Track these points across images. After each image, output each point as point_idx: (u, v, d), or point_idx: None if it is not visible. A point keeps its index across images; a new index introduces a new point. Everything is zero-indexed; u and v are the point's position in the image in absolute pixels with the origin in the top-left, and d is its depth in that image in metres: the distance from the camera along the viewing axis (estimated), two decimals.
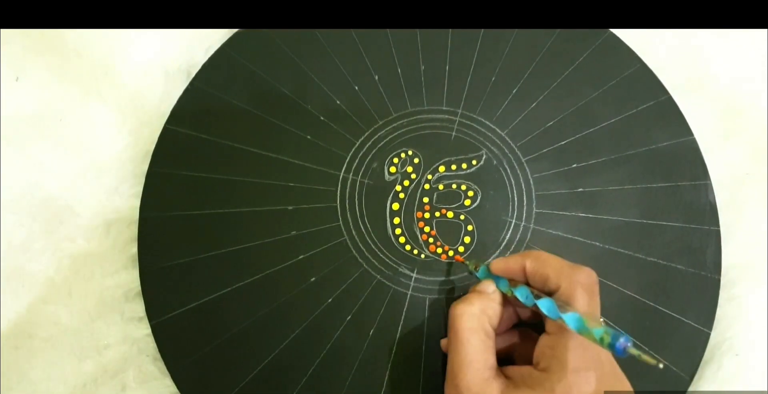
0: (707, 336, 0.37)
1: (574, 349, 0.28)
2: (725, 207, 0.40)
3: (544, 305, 0.29)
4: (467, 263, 0.37)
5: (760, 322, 0.38)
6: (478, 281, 0.34)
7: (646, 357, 0.24)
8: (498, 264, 0.33)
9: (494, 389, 0.29)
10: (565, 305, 0.29)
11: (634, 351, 0.25)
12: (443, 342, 0.35)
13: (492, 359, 0.31)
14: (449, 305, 0.36)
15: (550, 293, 0.30)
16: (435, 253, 0.38)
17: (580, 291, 0.29)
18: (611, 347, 0.26)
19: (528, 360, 0.31)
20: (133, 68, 0.41)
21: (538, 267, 0.31)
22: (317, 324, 0.36)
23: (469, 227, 0.38)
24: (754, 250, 0.40)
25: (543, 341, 0.30)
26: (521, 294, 0.31)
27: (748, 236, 0.40)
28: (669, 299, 0.38)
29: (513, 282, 0.32)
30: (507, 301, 0.33)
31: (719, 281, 0.38)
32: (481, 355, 0.30)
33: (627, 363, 0.36)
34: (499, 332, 0.33)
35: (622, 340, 0.25)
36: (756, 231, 0.40)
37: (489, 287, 0.33)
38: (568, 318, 0.28)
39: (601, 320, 0.30)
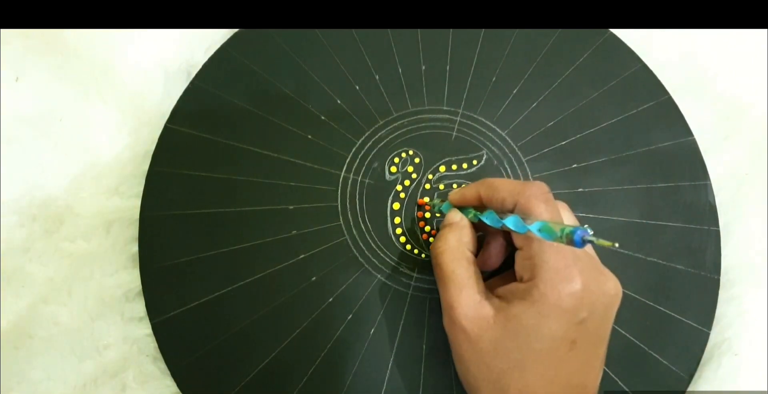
0: (706, 336, 0.38)
1: (549, 253, 0.29)
2: (725, 207, 0.40)
3: (511, 221, 0.30)
4: (432, 203, 0.38)
5: (760, 322, 0.38)
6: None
7: (602, 241, 0.24)
8: (455, 195, 0.35)
9: (488, 309, 0.30)
10: (527, 218, 0.30)
11: (591, 238, 0.25)
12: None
13: (480, 284, 0.32)
14: None
15: (510, 212, 0.31)
16: None
17: (535, 202, 0.30)
18: (571, 241, 0.26)
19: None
20: (133, 68, 0.41)
21: (491, 192, 0.32)
22: (318, 323, 0.36)
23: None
24: (753, 250, 0.40)
25: (519, 256, 0.31)
26: (488, 218, 0.32)
27: (748, 236, 0.40)
28: (668, 299, 0.38)
29: (478, 210, 0.33)
30: (492, 234, 0.34)
31: (719, 281, 0.38)
32: (468, 281, 0.31)
33: (627, 362, 0.37)
34: (493, 266, 0.34)
35: (579, 232, 0.25)
36: (756, 231, 0.40)
37: (455, 216, 0.34)
38: (534, 227, 0.28)
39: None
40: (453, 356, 0.32)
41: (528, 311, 0.29)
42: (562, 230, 0.26)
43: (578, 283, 0.28)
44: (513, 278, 0.32)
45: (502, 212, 0.32)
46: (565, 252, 0.29)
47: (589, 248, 0.32)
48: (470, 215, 0.34)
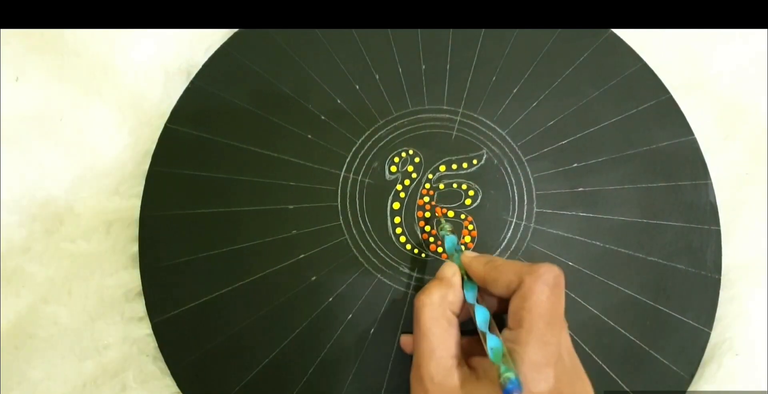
0: (707, 336, 0.37)
1: (533, 344, 0.28)
2: (725, 207, 0.40)
3: (480, 313, 0.30)
4: (442, 226, 0.37)
5: (761, 322, 0.38)
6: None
7: None
8: (466, 259, 0.33)
9: (455, 378, 0.29)
10: (511, 323, 0.29)
11: None
12: (404, 340, 0.35)
13: (454, 348, 0.30)
14: None
15: (512, 293, 0.30)
16: (435, 252, 0.38)
17: (541, 286, 0.29)
18: (503, 386, 0.26)
19: None
20: (133, 68, 0.41)
21: (497, 275, 0.31)
22: (317, 323, 0.36)
23: (470, 227, 0.38)
24: (754, 250, 0.40)
25: (504, 336, 0.30)
26: (468, 293, 0.31)
27: (749, 235, 0.40)
28: (669, 299, 0.38)
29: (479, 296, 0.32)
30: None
31: (719, 280, 0.38)
32: (443, 344, 0.30)
33: (627, 362, 0.37)
34: (465, 319, 0.33)
35: (510, 387, 0.25)
36: (756, 231, 0.40)
37: (448, 270, 0.33)
38: (490, 342, 0.28)
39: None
40: None
41: None
42: (505, 371, 0.26)
43: (548, 386, 0.27)
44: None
45: (503, 297, 0.31)
46: (551, 346, 0.28)
47: (571, 348, 0.30)
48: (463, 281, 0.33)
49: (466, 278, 0.33)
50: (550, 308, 0.29)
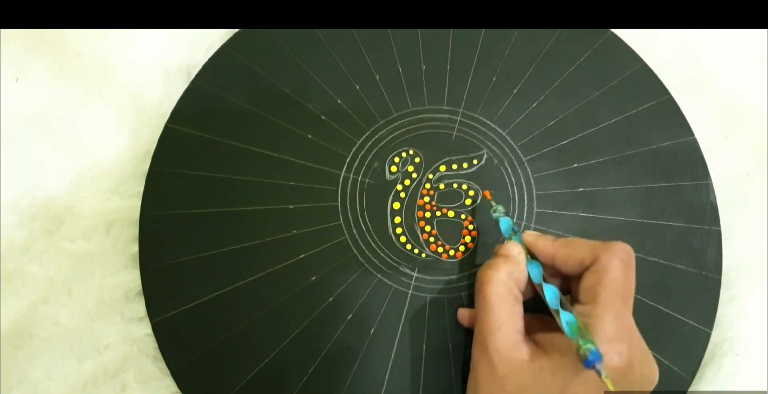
0: (708, 336, 0.37)
1: (608, 319, 0.28)
2: (726, 207, 0.40)
3: (550, 291, 0.30)
4: (495, 207, 0.36)
5: (761, 322, 0.38)
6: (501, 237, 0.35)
7: (607, 379, 0.25)
8: (529, 237, 0.33)
9: (524, 352, 0.29)
10: (584, 298, 0.29)
11: (600, 370, 0.26)
12: (461, 313, 0.35)
13: (520, 323, 0.30)
14: (450, 305, 0.37)
15: (584, 270, 0.30)
16: (436, 252, 0.38)
17: (618, 262, 0.29)
18: (583, 358, 0.26)
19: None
20: (133, 68, 0.41)
21: (569, 251, 0.31)
22: (318, 323, 0.36)
23: (470, 227, 0.38)
24: (754, 250, 0.40)
25: (578, 309, 0.30)
26: (533, 271, 0.31)
27: (749, 235, 0.40)
28: (669, 299, 0.38)
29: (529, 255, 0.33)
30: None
31: (720, 280, 0.38)
32: (509, 318, 0.30)
33: None
34: (528, 296, 0.33)
35: (595, 358, 0.26)
36: (756, 231, 0.40)
37: (514, 248, 0.33)
38: (564, 317, 0.28)
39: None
40: (471, 381, 0.31)
41: (564, 371, 0.28)
42: (584, 343, 0.26)
43: (625, 358, 0.28)
44: (556, 326, 0.30)
45: (572, 274, 0.31)
46: (626, 321, 0.29)
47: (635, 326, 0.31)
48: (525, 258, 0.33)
49: (529, 257, 0.33)
50: (625, 283, 0.29)
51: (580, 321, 0.28)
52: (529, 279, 0.32)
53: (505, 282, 0.31)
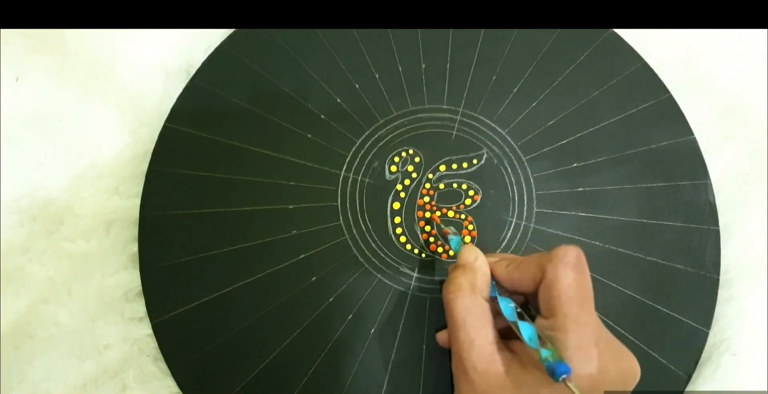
0: (705, 335, 0.37)
1: (571, 329, 0.28)
2: (725, 207, 0.40)
3: (504, 304, 0.30)
4: (446, 229, 0.37)
5: (759, 322, 0.38)
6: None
7: (576, 391, 0.25)
8: (497, 267, 0.32)
9: (499, 365, 0.29)
10: (544, 313, 0.29)
11: (569, 384, 0.26)
12: (440, 337, 0.35)
13: (492, 335, 0.30)
14: None
15: (538, 284, 0.30)
16: (436, 252, 0.38)
17: (563, 268, 0.29)
18: (552, 374, 0.26)
19: None
20: (133, 68, 0.41)
21: (520, 273, 0.31)
22: (318, 323, 0.36)
23: (470, 227, 0.38)
24: (753, 250, 0.40)
25: (540, 324, 0.29)
26: (505, 307, 0.30)
27: (748, 235, 0.40)
28: (668, 299, 0.38)
29: (499, 286, 0.32)
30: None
31: (718, 280, 0.38)
32: (480, 332, 0.30)
33: None
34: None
35: (559, 371, 0.26)
36: (755, 231, 0.40)
37: (469, 255, 0.32)
38: (523, 329, 0.28)
39: None
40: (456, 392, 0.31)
41: (542, 384, 0.28)
42: (546, 354, 0.27)
43: (594, 365, 0.27)
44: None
45: (533, 292, 0.31)
46: (589, 329, 0.28)
47: (602, 324, 0.30)
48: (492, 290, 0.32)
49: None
50: (577, 289, 0.29)
51: (545, 334, 0.28)
52: (490, 281, 0.32)
53: (468, 295, 0.31)
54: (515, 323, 0.29)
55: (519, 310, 0.30)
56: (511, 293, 0.32)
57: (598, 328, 0.29)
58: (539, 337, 0.28)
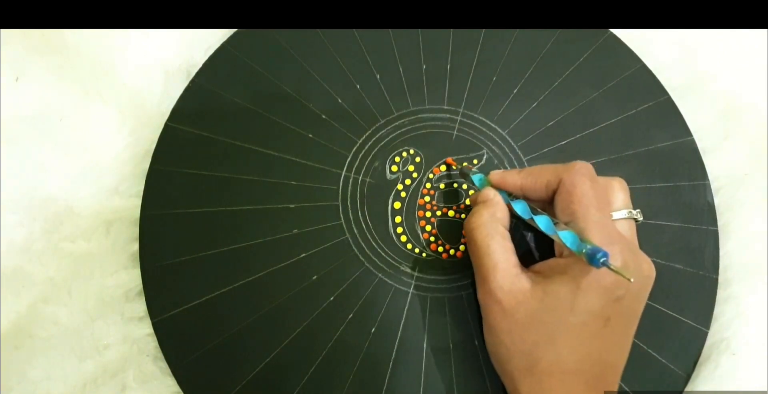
0: (705, 335, 0.38)
1: (593, 229, 0.29)
2: (724, 207, 0.40)
3: (541, 221, 0.31)
4: (466, 171, 0.37)
5: (757, 321, 0.39)
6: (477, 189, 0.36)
7: (620, 270, 0.27)
8: (495, 176, 0.35)
9: (524, 282, 0.31)
10: (562, 218, 0.31)
11: (609, 264, 0.27)
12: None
13: (514, 259, 0.32)
14: (450, 304, 0.37)
15: (554, 194, 0.32)
16: (436, 251, 0.38)
17: (581, 178, 0.31)
18: (590, 260, 0.27)
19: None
20: (133, 68, 0.41)
21: (534, 179, 0.33)
22: (318, 323, 0.36)
23: None
24: (751, 250, 0.40)
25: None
26: (519, 208, 0.32)
27: (746, 236, 0.40)
28: (667, 298, 0.38)
29: (511, 195, 0.34)
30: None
31: (717, 280, 0.38)
32: (503, 256, 0.31)
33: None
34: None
35: (599, 256, 0.27)
36: (754, 231, 0.40)
37: (489, 193, 0.34)
38: (562, 235, 0.29)
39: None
40: (485, 328, 0.33)
41: (567, 286, 0.29)
42: (584, 247, 0.28)
43: (618, 261, 0.29)
44: (547, 257, 0.32)
45: (543, 200, 0.33)
46: (610, 230, 0.30)
47: (627, 228, 0.33)
48: (504, 199, 0.34)
49: (509, 196, 0.34)
50: (595, 195, 0.30)
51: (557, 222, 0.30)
52: (510, 215, 0.34)
53: (490, 224, 0.32)
54: (531, 219, 0.31)
55: (554, 222, 0.31)
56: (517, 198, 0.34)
57: (617, 231, 0.31)
58: (578, 237, 0.29)
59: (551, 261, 0.32)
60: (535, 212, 0.32)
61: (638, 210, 0.33)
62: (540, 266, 0.32)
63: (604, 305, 0.29)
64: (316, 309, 0.37)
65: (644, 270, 0.31)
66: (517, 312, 0.30)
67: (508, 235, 0.33)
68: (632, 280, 0.26)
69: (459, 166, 0.38)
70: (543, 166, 0.33)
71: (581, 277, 0.29)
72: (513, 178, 0.34)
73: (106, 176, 0.39)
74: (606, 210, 0.31)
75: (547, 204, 0.33)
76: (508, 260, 0.31)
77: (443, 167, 0.39)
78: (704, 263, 0.39)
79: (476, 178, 0.36)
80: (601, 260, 0.27)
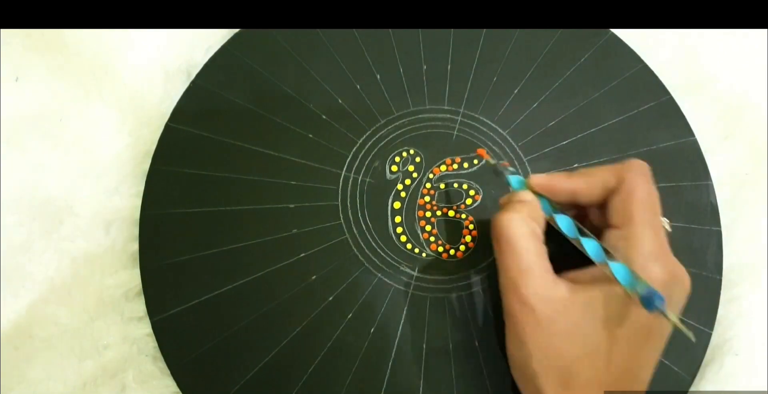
0: (708, 336, 0.37)
1: (647, 236, 0.28)
2: (726, 207, 0.40)
3: (590, 246, 0.28)
4: (503, 168, 0.34)
5: (761, 322, 0.38)
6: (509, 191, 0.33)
7: (675, 320, 0.25)
8: (539, 180, 0.31)
9: (563, 290, 0.28)
10: (615, 221, 0.29)
11: (664, 310, 0.25)
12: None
13: (548, 263, 0.29)
14: (450, 305, 0.37)
15: (607, 195, 0.30)
16: (436, 251, 0.38)
17: (642, 178, 0.29)
18: (642, 301, 0.25)
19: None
20: (133, 68, 0.41)
21: (590, 179, 0.30)
22: (318, 323, 0.36)
23: (470, 226, 0.38)
24: (754, 250, 0.40)
25: (612, 235, 0.29)
26: (564, 224, 0.29)
27: (749, 236, 0.40)
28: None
29: (553, 207, 0.31)
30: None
31: (720, 281, 0.38)
32: (539, 258, 0.29)
33: None
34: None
35: (655, 298, 0.25)
36: (757, 231, 0.40)
37: (527, 196, 0.31)
38: (615, 268, 0.27)
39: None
40: (511, 339, 0.30)
41: (615, 297, 0.27)
42: (638, 285, 0.26)
43: (668, 270, 0.28)
44: (583, 264, 0.29)
45: (595, 204, 0.31)
46: (662, 239, 0.29)
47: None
48: (546, 210, 0.31)
49: (552, 208, 0.31)
50: (655, 199, 0.29)
51: (615, 245, 0.28)
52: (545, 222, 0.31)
53: (526, 221, 0.29)
54: (577, 240, 0.28)
55: (578, 225, 0.29)
56: (562, 211, 0.31)
57: (666, 239, 0.29)
58: (605, 251, 0.27)
59: (593, 269, 0.29)
60: (582, 232, 0.29)
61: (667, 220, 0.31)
62: (576, 274, 0.29)
63: (649, 316, 0.27)
64: (315, 309, 0.36)
65: (685, 281, 0.29)
66: (554, 324, 0.27)
67: (543, 238, 0.30)
68: (694, 339, 0.24)
69: (495, 162, 0.36)
70: (596, 168, 0.31)
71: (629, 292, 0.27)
72: (563, 182, 0.31)
73: (106, 176, 0.39)
74: (659, 214, 0.30)
75: (591, 209, 0.31)
76: (543, 265, 0.29)
77: (443, 167, 0.39)
78: (707, 264, 0.38)
79: (514, 180, 0.33)
80: (658, 306, 0.25)
